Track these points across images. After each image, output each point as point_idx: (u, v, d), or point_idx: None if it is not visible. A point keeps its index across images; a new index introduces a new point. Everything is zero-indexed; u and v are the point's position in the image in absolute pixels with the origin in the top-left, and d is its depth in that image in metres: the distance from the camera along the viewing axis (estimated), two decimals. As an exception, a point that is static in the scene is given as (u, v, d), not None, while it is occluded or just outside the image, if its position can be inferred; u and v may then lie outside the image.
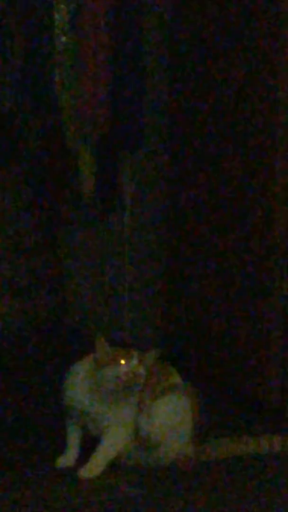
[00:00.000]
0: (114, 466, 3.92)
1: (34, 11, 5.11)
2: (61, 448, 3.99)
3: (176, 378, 4.08)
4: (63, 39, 5.11)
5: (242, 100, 4.83)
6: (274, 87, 4.70)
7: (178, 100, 5.27)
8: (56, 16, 5.10)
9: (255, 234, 4.72)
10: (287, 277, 4.63)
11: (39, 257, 5.66)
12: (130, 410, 3.96)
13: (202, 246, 5.08)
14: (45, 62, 5.14)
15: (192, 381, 4.16)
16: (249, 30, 4.85)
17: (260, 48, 4.76)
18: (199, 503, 3.73)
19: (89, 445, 3.98)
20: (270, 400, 4.61)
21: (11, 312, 5.10)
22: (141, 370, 3.85)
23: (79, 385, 3.94)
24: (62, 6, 5.09)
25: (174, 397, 4.02)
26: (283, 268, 4.61)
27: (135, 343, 4.94)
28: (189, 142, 5.18)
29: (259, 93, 4.79)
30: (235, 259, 4.83)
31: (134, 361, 3.84)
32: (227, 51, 4.94)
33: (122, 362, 3.82)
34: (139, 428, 3.95)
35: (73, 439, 3.99)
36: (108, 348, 3.90)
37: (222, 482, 3.93)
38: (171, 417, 4.01)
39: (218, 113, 4.97)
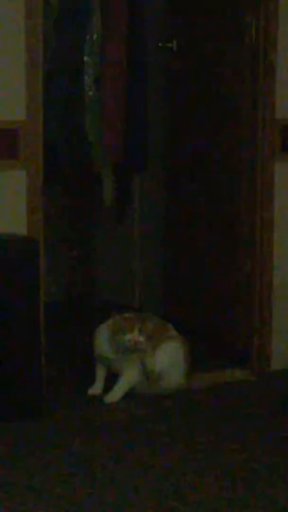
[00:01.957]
0: (128, 394, 4.27)
1: (70, 75, 5.22)
2: (92, 381, 4.33)
3: (173, 331, 4.39)
4: (90, 94, 5.20)
5: (221, 128, 4.89)
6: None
7: (174, 137, 5.29)
8: (86, 77, 5.19)
9: (229, 225, 4.83)
10: (248, 250, 4.71)
11: (77, 247, 5.92)
12: (138, 356, 4.26)
13: (192, 240, 5.13)
14: (78, 109, 5.22)
15: (183, 332, 4.45)
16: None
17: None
18: (192, 419, 4.12)
19: (112, 379, 4.31)
20: (239, 344, 4.77)
21: (57, 287, 5.29)
22: (141, 338, 4.14)
23: (103, 340, 4.21)
24: (90, 70, 5.19)
25: (171, 344, 4.34)
26: (246, 245, 4.71)
27: (144, 307, 5.14)
28: (181, 163, 5.23)
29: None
30: (215, 246, 4.93)
31: (136, 332, 4.13)
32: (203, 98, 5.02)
33: (127, 333, 4.12)
34: (146, 366, 4.24)
35: (100, 375, 4.32)
36: (120, 323, 4.18)
37: (206, 403, 4.30)
38: (169, 358, 4.32)
39: (202, 145, 5.03)
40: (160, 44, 5.21)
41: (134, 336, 4.14)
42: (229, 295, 4.84)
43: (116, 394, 4.24)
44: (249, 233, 4.71)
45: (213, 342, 4.90)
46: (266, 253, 4.68)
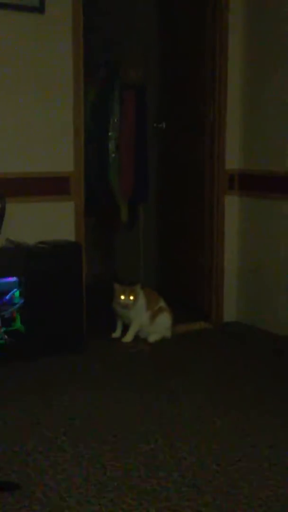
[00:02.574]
0: (136, 337, 4.21)
1: (100, 143, 5.17)
2: (114, 328, 4.25)
3: (162, 302, 4.26)
4: (113, 155, 5.18)
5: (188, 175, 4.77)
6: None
7: (163, 181, 5.11)
8: (109, 145, 5.16)
9: (199, 235, 4.67)
10: (210, 249, 4.56)
11: (104, 248, 5.75)
12: (139, 312, 4.15)
13: (175, 244, 4.98)
14: (105, 166, 5.21)
15: (170, 299, 4.34)
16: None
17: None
18: (176, 352, 4.07)
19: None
20: (204, 306, 4.65)
21: (92, 272, 4.90)
22: (130, 300, 4.06)
23: (115, 302, 4.14)
24: (112, 141, 5.15)
25: (162, 316, 4.22)
26: (208, 246, 4.59)
27: (145, 283, 4.72)
28: (167, 197, 5.08)
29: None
30: (190, 247, 4.78)
31: (127, 295, 4.07)
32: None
33: (122, 297, 4.08)
34: (149, 332, 4.19)
35: (119, 325, 4.24)
36: (118, 288, 4.08)
37: (185, 342, 4.22)
38: (162, 326, 4.23)
39: (179, 186, 4.89)
40: (154, 125, 5.11)
41: (124, 299, 4.09)
42: (199, 276, 4.73)
43: (129, 336, 4.20)
44: (210, 239, 4.62)
45: (188, 304, 4.77)
46: (219, 250, 4.59)
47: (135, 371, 3.72)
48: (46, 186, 4.03)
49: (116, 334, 4.26)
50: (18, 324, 3.80)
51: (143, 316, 4.20)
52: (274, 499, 2.38)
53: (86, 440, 2.81)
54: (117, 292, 4.10)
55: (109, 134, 5.20)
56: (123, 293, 4.08)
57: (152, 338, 4.21)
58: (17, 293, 3.80)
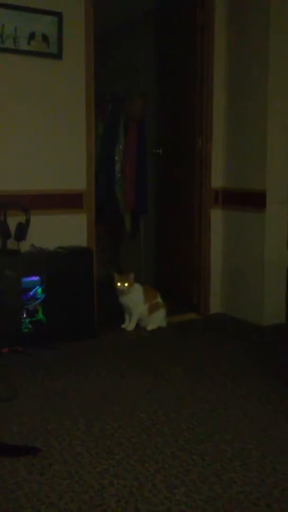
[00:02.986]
0: (138, 326, 4.15)
1: (108, 165, 5.13)
2: (122, 320, 4.17)
3: (159, 298, 4.15)
4: (118, 176, 5.17)
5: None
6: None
7: (161, 195, 5.06)
8: (116, 167, 5.13)
9: (190, 240, 4.62)
10: (198, 252, 4.49)
11: (111, 252, 5.72)
12: (138, 303, 4.07)
13: (170, 247, 4.92)
14: (112, 185, 5.18)
15: (166, 294, 4.28)
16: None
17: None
18: (170, 338, 4.03)
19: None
20: (194, 299, 4.62)
21: (101, 272, 4.79)
22: (125, 287, 3.95)
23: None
24: (118, 163, 5.13)
25: (160, 310, 4.15)
26: (197, 249, 4.51)
27: (145, 281, 4.68)
28: (164, 209, 5.02)
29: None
30: (183, 250, 4.70)
31: (122, 282, 3.97)
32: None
33: (118, 283, 3.99)
34: (147, 322, 4.12)
35: (126, 317, 4.14)
36: (116, 277, 3.99)
37: (178, 330, 4.18)
38: (159, 318, 4.15)
39: (174, 199, 4.81)
40: (153, 150, 5.08)
41: (120, 285, 4.00)
42: (190, 275, 4.67)
43: (131, 325, 4.14)
44: (199, 245, 4.57)
45: (181, 298, 4.73)
46: (206, 254, 4.55)
47: (135, 354, 3.69)
48: (64, 201, 4.00)
49: (125, 325, 4.18)
50: (40, 316, 3.77)
51: (141, 307, 4.12)
52: (253, 461, 2.36)
53: (96, 411, 2.79)
54: (115, 280, 4.02)
55: (116, 158, 5.16)
56: (120, 280, 3.99)
57: (150, 327, 4.15)
58: (39, 290, 3.78)
